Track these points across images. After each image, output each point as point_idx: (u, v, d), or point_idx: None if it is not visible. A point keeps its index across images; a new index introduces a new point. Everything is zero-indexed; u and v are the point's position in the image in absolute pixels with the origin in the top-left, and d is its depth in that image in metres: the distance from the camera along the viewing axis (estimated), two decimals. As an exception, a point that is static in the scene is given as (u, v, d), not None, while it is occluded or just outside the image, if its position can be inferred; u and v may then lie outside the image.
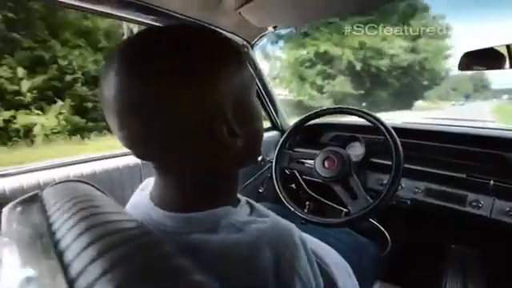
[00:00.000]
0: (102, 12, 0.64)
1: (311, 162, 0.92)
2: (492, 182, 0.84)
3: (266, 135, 1.35)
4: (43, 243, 0.29)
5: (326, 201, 1.28)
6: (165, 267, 0.23)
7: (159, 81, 0.28)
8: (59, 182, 0.47)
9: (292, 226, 0.34)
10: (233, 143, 0.32)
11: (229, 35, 0.94)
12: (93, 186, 0.47)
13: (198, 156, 0.33)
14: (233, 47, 0.33)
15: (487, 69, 0.83)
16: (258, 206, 0.41)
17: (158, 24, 0.74)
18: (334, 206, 1.24)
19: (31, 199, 0.42)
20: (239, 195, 0.42)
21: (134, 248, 0.25)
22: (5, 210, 0.42)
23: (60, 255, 0.26)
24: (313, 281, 0.33)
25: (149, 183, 0.41)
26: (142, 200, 0.38)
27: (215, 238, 0.31)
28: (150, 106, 0.28)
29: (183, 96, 0.28)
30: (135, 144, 0.31)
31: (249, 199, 0.42)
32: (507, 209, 0.82)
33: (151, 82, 0.28)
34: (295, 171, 1.13)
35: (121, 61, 0.29)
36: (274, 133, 1.41)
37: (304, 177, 1.28)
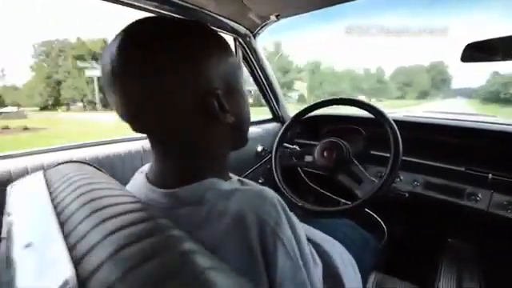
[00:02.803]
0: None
1: (310, 156, 0.93)
2: (490, 175, 0.84)
3: (267, 126, 1.36)
4: (47, 218, 0.31)
5: (325, 192, 1.30)
6: (158, 237, 0.24)
7: (158, 61, 0.31)
8: (62, 163, 0.48)
9: (274, 193, 0.36)
10: (223, 117, 0.36)
11: (231, 23, 0.94)
12: (94, 166, 0.48)
13: (191, 131, 0.36)
14: (220, 38, 0.38)
15: (491, 60, 0.82)
16: (249, 181, 0.43)
17: (160, 10, 0.75)
18: (334, 196, 1.25)
19: (35, 178, 0.43)
20: (232, 175, 0.44)
21: (130, 219, 0.26)
22: (9, 188, 0.43)
23: (62, 225, 0.28)
24: (296, 249, 0.35)
25: (147, 166, 0.43)
26: (139, 180, 0.41)
27: (203, 210, 0.33)
28: (149, 83, 0.31)
29: (179, 74, 0.32)
30: (134, 117, 0.34)
31: (240, 178, 0.44)
32: (505, 202, 0.83)
33: (151, 63, 0.31)
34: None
35: (125, 41, 0.32)
36: (275, 124, 1.41)
37: (304, 168, 1.29)
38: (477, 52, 0.75)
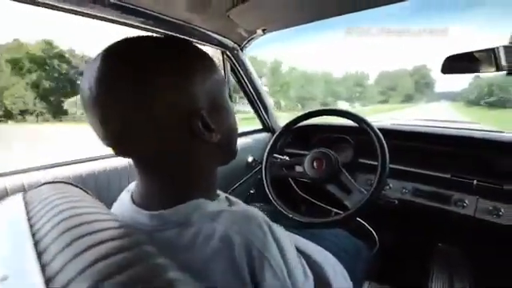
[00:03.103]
0: (89, 14, 0.64)
1: (301, 167, 0.94)
2: (475, 181, 0.87)
3: (257, 136, 1.36)
4: (24, 247, 0.29)
5: (317, 202, 1.30)
6: (141, 266, 0.24)
7: (142, 81, 0.31)
8: (44, 184, 0.47)
9: (259, 214, 0.36)
10: (209, 137, 0.35)
11: (219, 38, 0.95)
12: (79, 187, 0.47)
13: (177, 151, 0.35)
14: (205, 55, 0.38)
15: (471, 72, 0.85)
16: (237, 200, 0.43)
17: (147, 26, 0.75)
18: (325, 206, 1.26)
19: (14, 201, 0.41)
20: (220, 192, 0.44)
21: (113, 248, 0.25)
22: None
23: (39, 255, 0.26)
24: (284, 269, 0.35)
25: (133, 185, 0.42)
26: (125, 200, 0.40)
27: (189, 232, 0.33)
28: (131, 105, 0.31)
29: (163, 94, 0.31)
30: (116, 141, 0.33)
31: (228, 195, 0.44)
32: (490, 208, 0.85)
33: (135, 83, 0.30)
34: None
35: (106, 63, 0.31)
36: (265, 134, 1.41)
37: (295, 178, 1.29)
38: (456, 64, 0.78)
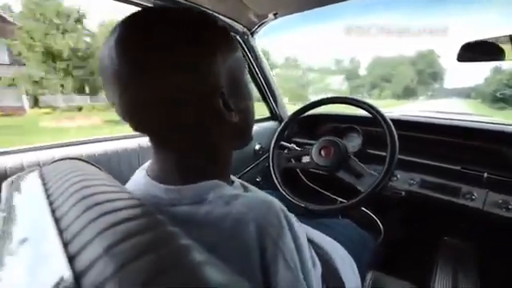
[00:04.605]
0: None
1: (308, 157, 0.93)
2: (486, 174, 0.85)
3: (265, 125, 1.36)
4: (42, 214, 0.30)
5: (323, 191, 1.30)
6: (153, 233, 0.24)
7: (162, 53, 0.29)
8: (59, 160, 0.48)
9: (277, 202, 0.35)
10: (228, 116, 0.34)
11: (229, 21, 0.94)
12: (92, 164, 0.48)
13: (195, 128, 0.34)
14: (227, 32, 0.36)
15: (488, 60, 0.82)
16: (252, 187, 0.42)
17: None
18: (332, 195, 1.26)
19: (30, 175, 0.43)
20: (234, 178, 0.43)
21: (127, 215, 0.26)
22: (4, 184, 0.43)
23: (57, 221, 0.27)
24: (297, 261, 0.34)
25: (148, 164, 0.42)
26: (140, 176, 0.40)
27: (202, 210, 0.33)
28: (151, 76, 0.30)
29: (184, 70, 0.30)
30: (134, 113, 0.32)
31: (243, 182, 0.43)
32: (500, 201, 0.84)
33: (154, 54, 0.29)
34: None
35: (126, 32, 0.30)
36: (273, 122, 1.41)
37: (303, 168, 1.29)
38: (473, 52, 0.76)
